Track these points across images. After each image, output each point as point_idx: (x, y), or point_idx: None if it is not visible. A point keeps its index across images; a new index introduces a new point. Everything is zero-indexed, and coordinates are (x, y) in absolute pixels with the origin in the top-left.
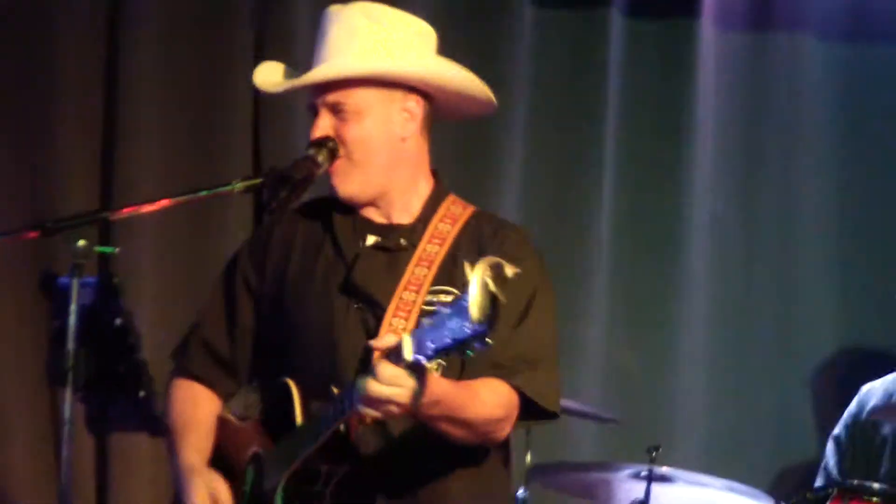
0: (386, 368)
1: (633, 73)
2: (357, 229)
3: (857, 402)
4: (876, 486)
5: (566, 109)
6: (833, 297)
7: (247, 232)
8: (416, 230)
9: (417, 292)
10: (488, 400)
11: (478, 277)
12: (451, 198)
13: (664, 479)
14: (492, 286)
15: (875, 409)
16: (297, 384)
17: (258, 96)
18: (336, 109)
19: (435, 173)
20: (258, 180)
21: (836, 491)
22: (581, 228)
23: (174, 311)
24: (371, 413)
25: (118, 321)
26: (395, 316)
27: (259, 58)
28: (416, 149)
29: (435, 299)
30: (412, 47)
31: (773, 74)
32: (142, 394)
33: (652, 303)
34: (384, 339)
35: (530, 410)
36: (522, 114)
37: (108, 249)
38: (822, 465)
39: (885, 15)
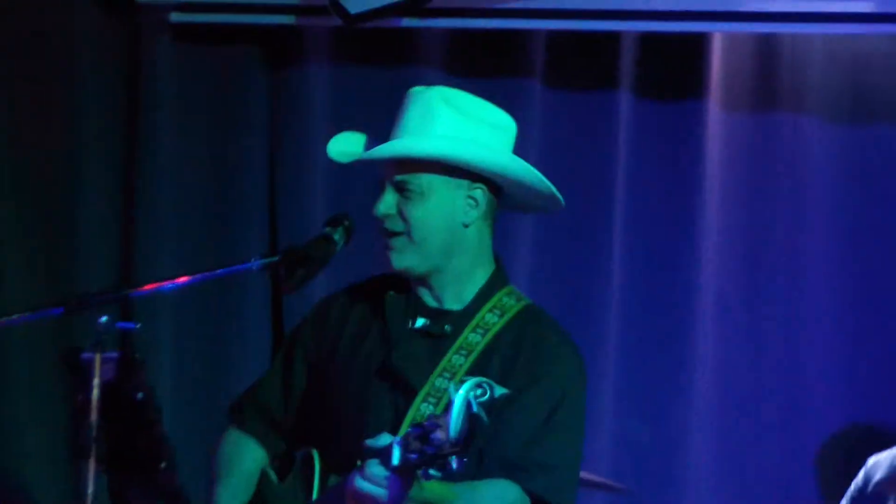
0: (372, 468)
1: (641, 153)
2: (408, 311)
3: (863, 475)
4: None
5: (576, 188)
6: (840, 372)
7: (264, 308)
8: (463, 317)
9: (450, 380)
10: (489, 502)
11: (461, 396)
12: (508, 289)
13: None
14: (475, 407)
15: (881, 482)
16: (326, 457)
17: (274, 173)
18: (401, 188)
19: (498, 260)
20: (275, 258)
21: None
22: (590, 305)
23: (194, 385)
24: None
25: (140, 395)
26: (424, 401)
27: (272, 131)
28: (477, 235)
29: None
30: (486, 137)
31: (777, 155)
32: (163, 465)
33: (660, 376)
34: (378, 439)
35: None
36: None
37: (129, 325)
38: None
39: (886, 97)
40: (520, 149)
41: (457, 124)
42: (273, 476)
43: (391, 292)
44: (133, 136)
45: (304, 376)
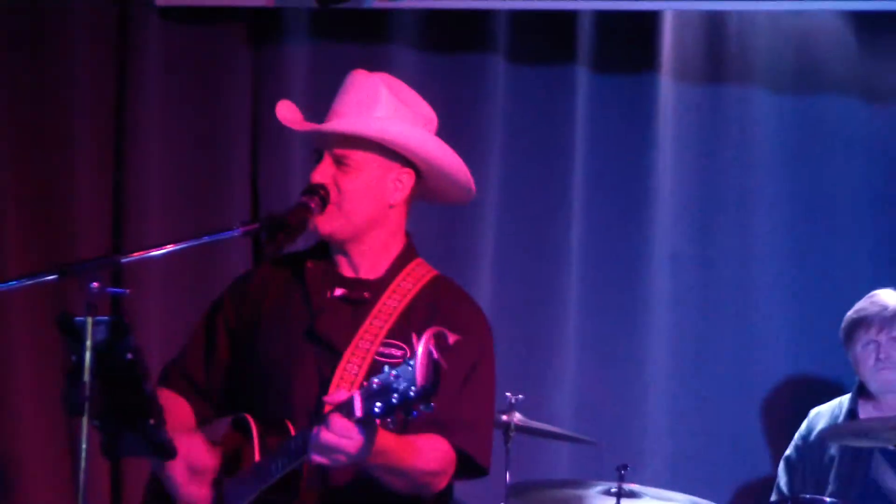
0: (337, 421)
1: (598, 124)
2: (327, 281)
3: (806, 425)
4: (827, 499)
5: (537, 156)
6: (785, 330)
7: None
8: (380, 285)
9: (372, 342)
10: (428, 454)
11: (423, 346)
12: (418, 260)
13: (632, 495)
14: (436, 354)
15: (822, 432)
16: (256, 419)
17: (256, 145)
18: (340, 161)
19: (408, 236)
20: (256, 225)
21: (790, 498)
22: (553, 269)
23: (178, 345)
24: (321, 460)
25: (129, 356)
26: (348, 362)
27: (254, 106)
28: (397, 217)
29: (385, 350)
30: (419, 126)
31: (725, 124)
32: (151, 421)
33: (619, 336)
34: (337, 394)
35: (466, 466)
36: (497, 157)
37: (119, 291)
38: (776, 482)
39: (826, 67)
40: (481, 120)
41: (396, 110)
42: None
43: (310, 264)
44: (123, 110)
45: (226, 347)
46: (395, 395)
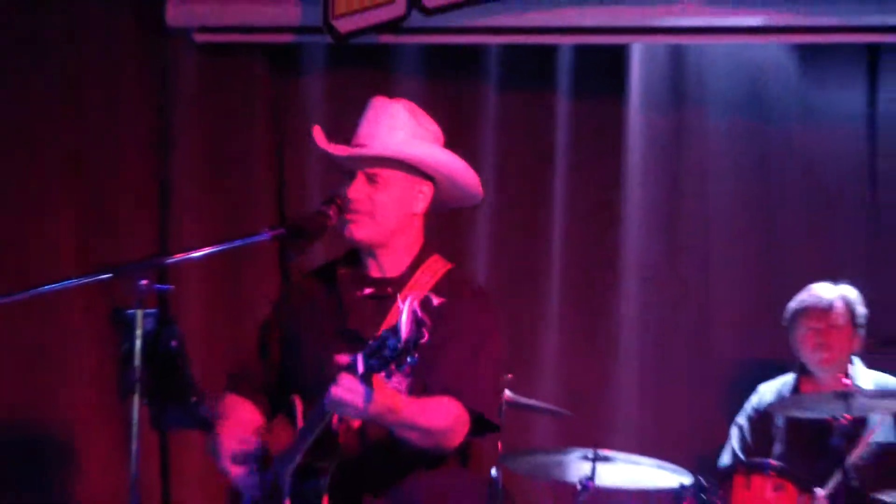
0: (344, 377)
1: (575, 145)
2: (356, 282)
3: (756, 398)
4: (773, 462)
5: (524, 172)
6: (738, 317)
7: (272, 271)
8: (402, 281)
9: (417, 329)
10: (439, 413)
11: (407, 307)
12: (435, 256)
13: (606, 459)
14: (419, 313)
15: (770, 405)
16: (301, 400)
17: (281, 162)
18: (372, 179)
19: (425, 237)
20: (282, 230)
21: (739, 467)
22: (539, 266)
23: (215, 334)
24: (336, 412)
25: (173, 343)
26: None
27: (277, 128)
28: (418, 224)
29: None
30: (433, 143)
31: (686, 144)
32: (193, 400)
33: (594, 322)
34: (342, 357)
35: (479, 425)
36: (489, 173)
37: (164, 287)
38: (728, 446)
39: (774, 94)
40: (474, 141)
41: (415, 132)
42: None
43: (341, 270)
44: (166, 130)
45: (277, 351)
46: (387, 350)
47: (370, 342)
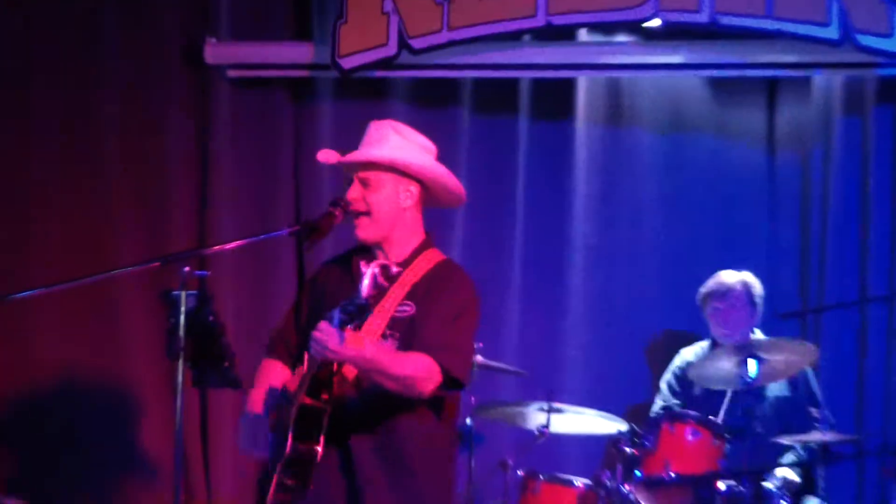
0: (323, 325)
1: (534, 158)
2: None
3: (678, 361)
4: (692, 413)
5: (492, 180)
6: (663, 294)
7: (290, 260)
8: (403, 266)
9: (392, 304)
10: (411, 365)
11: (369, 271)
12: (434, 250)
13: (558, 410)
14: (379, 278)
15: (690, 365)
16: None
17: (299, 175)
18: (365, 182)
19: (427, 234)
20: (297, 227)
21: (666, 416)
22: (503, 251)
23: (244, 311)
24: (316, 351)
25: (210, 318)
26: (375, 317)
27: (296, 148)
28: (412, 218)
29: (400, 308)
30: (419, 153)
31: (621, 156)
32: (225, 364)
33: (548, 293)
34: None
35: (448, 381)
36: (465, 179)
37: (203, 273)
38: (657, 399)
39: (691, 116)
40: (452, 154)
41: (401, 144)
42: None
43: (356, 258)
44: (205, 148)
45: (306, 318)
46: (352, 306)
47: (342, 302)
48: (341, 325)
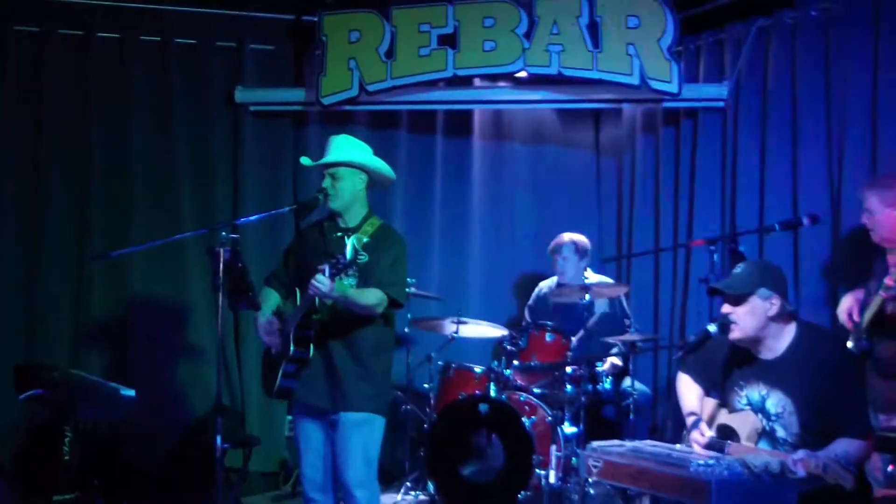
0: (318, 276)
1: (447, 167)
2: (333, 230)
3: (537, 289)
4: (549, 322)
5: (415, 185)
6: (529, 248)
7: (290, 228)
8: (356, 229)
9: (355, 252)
10: (369, 297)
11: (350, 242)
12: (375, 217)
13: (464, 322)
14: (358, 246)
15: (545, 293)
16: (301, 290)
17: (295, 180)
18: (333, 175)
19: (370, 206)
20: (295, 206)
21: (532, 325)
22: (428, 223)
23: (263, 261)
24: (312, 293)
25: (240, 265)
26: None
27: (296, 161)
28: (364, 197)
29: (360, 256)
30: (364, 153)
31: (505, 162)
32: (250, 294)
33: (457, 251)
34: (322, 266)
35: (393, 303)
36: (403, 178)
37: (234, 236)
38: (525, 314)
39: (546, 135)
40: (394, 160)
41: (353, 147)
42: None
43: (327, 223)
44: (235, 159)
45: (293, 263)
46: (339, 263)
47: (332, 259)
48: (331, 275)
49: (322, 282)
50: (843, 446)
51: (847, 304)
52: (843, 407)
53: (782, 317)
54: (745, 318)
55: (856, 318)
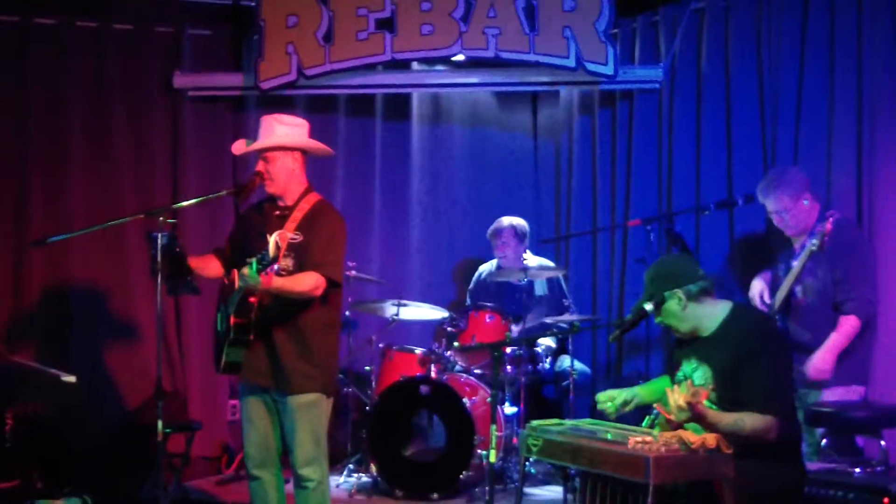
0: (244, 269)
1: (387, 149)
2: (272, 209)
3: (477, 272)
4: (489, 304)
5: (356, 169)
6: (467, 231)
7: (230, 212)
8: (294, 206)
9: (289, 231)
10: (303, 281)
11: (273, 238)
12: (313, 193)
13: (404, 304)
14: (280, 243)
15: (485, 276)
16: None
17: (235, 159)
18: (266, 160)
19: (309, 183)
20: (233, 189)
21: (473, 306)
22: (367, 204)
23: (202, 244)
24: (242, 283)
25: (177, 249)
26: (279, 242)
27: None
28: (298, 174)
29: (294, 235)
30: (298, 131)
31: (444, 145)
32: (189, 278)
33: (396, 233)
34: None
35: (331, 284)
36: (341, 171)
37: (173, 220)
38: (468, 296)
39: (487, 114)
40: (334, 143)
41: (283, 130)
42: (226, 280)
43: (266, 203)
44: (176, 146)
45: (236, 242)
46: (265, 260)
47: (257, 255)
48: (258, 269)
49: (250, 276)
50: (742, 416)
51: (759, 287)
52: (749, 382)
53: (699, 297)
54: (673, 322)
55: (767, 300)
